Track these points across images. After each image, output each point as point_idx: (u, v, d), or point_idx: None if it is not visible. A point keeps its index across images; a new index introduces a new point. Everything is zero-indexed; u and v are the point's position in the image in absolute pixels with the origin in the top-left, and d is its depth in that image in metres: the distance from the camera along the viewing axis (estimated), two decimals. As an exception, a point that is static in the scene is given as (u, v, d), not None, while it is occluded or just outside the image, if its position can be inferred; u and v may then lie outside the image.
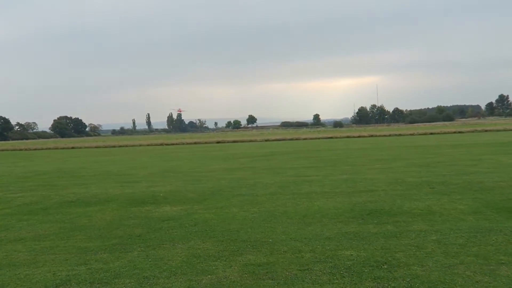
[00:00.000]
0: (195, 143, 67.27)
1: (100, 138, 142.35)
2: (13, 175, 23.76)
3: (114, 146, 67.44)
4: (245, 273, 6.31)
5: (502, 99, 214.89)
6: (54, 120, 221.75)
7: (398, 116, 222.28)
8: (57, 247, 8.16)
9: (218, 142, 66.68)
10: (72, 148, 67.94)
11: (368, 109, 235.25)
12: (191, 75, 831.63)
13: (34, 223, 10.41)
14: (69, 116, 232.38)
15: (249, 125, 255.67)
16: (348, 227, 8.62)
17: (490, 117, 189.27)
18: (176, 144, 67.36)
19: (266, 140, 65.17)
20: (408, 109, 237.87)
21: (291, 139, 64.83)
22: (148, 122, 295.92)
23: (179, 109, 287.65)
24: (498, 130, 62.54)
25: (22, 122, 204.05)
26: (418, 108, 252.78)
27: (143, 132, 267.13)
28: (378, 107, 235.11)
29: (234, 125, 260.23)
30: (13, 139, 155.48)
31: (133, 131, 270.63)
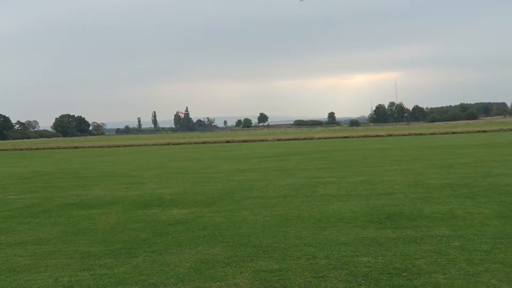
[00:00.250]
0: (204, 142, 67.58)
1: (104, 138, 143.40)
2: (13, 176, 24.03)
3: (118, 146, 67.90)
4: (256, 280, 6.31)
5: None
6: (56, 119, 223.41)
7: (418, 114, 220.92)
8: (59, 252, 8.22)
9: (227, 142, 67.02)
10: (75, 147, 68.64)
11: (386, 107, 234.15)
12: (199, 72, 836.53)
13: (35, 226, 10.51)
14: (71, 114, 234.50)
15: (260, 124, 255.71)
16: (365, 232, 8.58)
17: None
18: (184, 143, 67.71)
19: (278, 140, 65.28)
20: (429, 106, 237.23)
21: (305, 139, 64.84)
22: (154, 121, 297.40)
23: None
24: (525, 129, 61.91)
25: (23, 121, 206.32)
26: (439, 105, 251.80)
27: (148, 131, 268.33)
28: (397, 104, 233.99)
29: (245, 124, 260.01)
30: (13, 138, 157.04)
31: (138, 130, 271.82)
